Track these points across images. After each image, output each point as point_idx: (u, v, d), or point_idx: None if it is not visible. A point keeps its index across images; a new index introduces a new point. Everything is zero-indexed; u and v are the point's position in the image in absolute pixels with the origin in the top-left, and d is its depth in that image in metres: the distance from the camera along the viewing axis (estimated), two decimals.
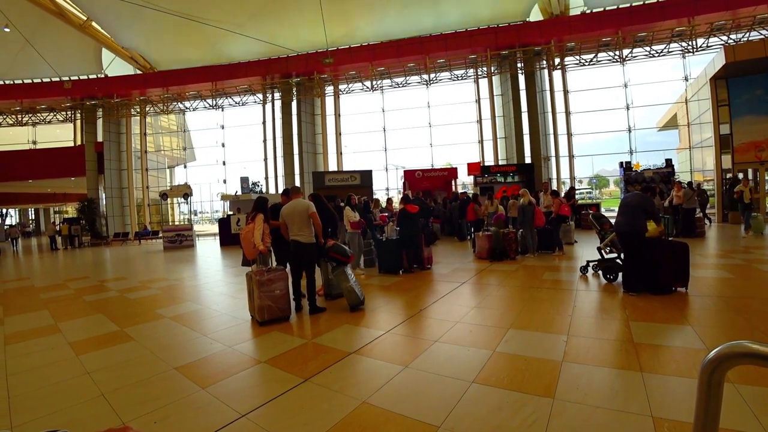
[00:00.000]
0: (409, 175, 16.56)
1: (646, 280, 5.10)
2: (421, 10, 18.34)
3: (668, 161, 14.82)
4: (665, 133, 21.73)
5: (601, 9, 17.05)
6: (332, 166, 20.89)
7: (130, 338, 4.38)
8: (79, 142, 23.33)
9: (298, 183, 20.24)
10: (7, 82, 22.04)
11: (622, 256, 5.75)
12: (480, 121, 19.57)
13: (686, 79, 17.22)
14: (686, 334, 3.67)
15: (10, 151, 22.73)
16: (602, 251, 6.12)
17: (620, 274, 5.62)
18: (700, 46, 16.23)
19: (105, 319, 5.27)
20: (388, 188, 20.69)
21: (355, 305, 5.06)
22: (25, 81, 21.91)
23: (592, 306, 4.87)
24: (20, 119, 22.73)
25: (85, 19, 19.37)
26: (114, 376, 3.37)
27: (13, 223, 36.79)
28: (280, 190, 19.15)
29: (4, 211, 36.39)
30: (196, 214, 27.95)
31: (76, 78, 21.58)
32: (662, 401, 2.46)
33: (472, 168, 17.15)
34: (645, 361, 3.05)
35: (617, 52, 17.09)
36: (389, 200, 12.53)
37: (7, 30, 17.95)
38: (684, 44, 16.41)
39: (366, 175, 16.67)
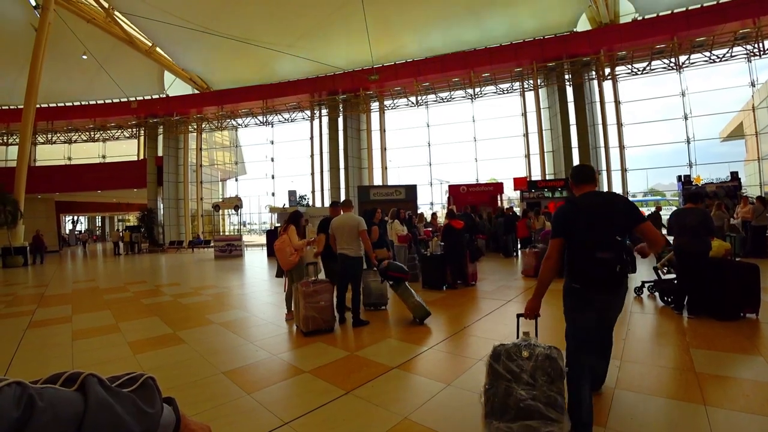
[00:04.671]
0: (454, 190, 16.40)
1: (710, 304, 4.72)
2: (465, 25, 18.36)
3: (734, 174, 13.67)
4: (730, 143, 20.13)
5: (654, 15, 16.24)
6: (377, 181, 21.13)
7: (182, 341, 4.62)
8: (141, 157, 25.25)
9: (343, 197, 20.64)
10: (83, 102, 24.45)
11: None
12: (526, 135, 19.10)
13: (753, 85, 15.90)
14: (757, 365, 3.34)
15: (82, 165, 25.06)
16: (659, 271, 5.74)
17: (681, 297, 5.21)
18: None
19: (160, 322, 5.61)
20: (432, 203, 20.63)
21: (423, 317, 5.05)
22: (99, 102, 24.20)
23: (648, 330, 4.56)
24: (93, 136, 25.07)
25: (151, 45, 21.14)
26: (167, 375, 3.57)
27: (83, 230, 40.38)
28: (327, 204, 19.77)
29: (75, 218, 39.92)
30: (245, 226, 29.18)
31: (141, 98, 23.52)
32: None
33: (518, 183, 16.73)
34: (709, 394, 2.81)
35: (673, 59, 16.16)
36: (434, 215, 12.47)
37: (84, 57, 19.95)
38: (749, 47, 15.19)
39: (410, 190, 16.67)
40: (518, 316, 2.56)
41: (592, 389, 2.45)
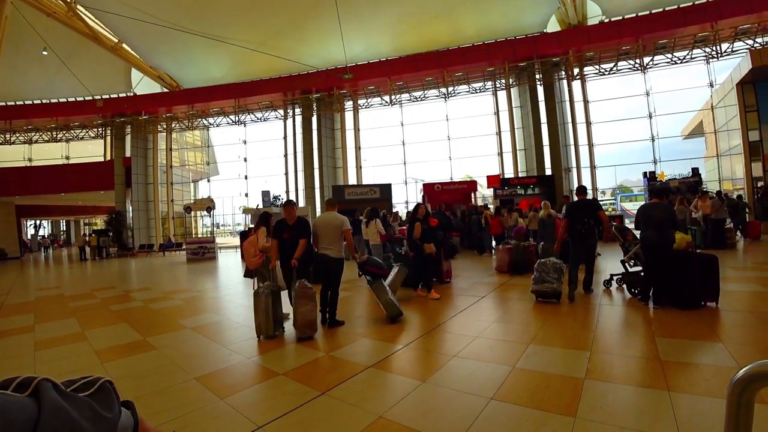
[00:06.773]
0: (429, 189, 16.50)
1: (673, 294, 4.93)
2: (438, 25, 18.52)
3: (695, 170, 14.36)
4: (691, 141, 21.14)
5: (620, 17, 16.84)
6: (352, 180, 21.03)
7: (153, 347, 4.48)
8: (108, 158, 24.32)
9: (318, 197, 20.49)
10: (44, 101, 23.27)
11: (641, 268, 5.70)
12: (499, 134, 19.44)
13: (711, 86, 16.72)
14: (717, 351, 3.51)
15: (45, 166, 23.93)
16: (626, 264, 5.96)
17: (647, 288, 5.43)
18: (725, 51, 15.78)
19: (129, 329, 5.41)
20: (407, 201, 20.66)
21: (395, 317, 5.04)
22: (61, 100, 23.07)
23: (616, 321, 4.72)
24: (55, 136, 23.93)
25: (117, 41, 20.34)
26: (136, 384, 3.45)
27: (45, 235, 38.63)
28: (302, 204, 19.54)
29: (38, 222, 38.10)
30: (218, 227, 28.54)
31: (107, 97, 22.61)
32: (691, 422, 2.36)
33: (491, 180, 17.02)
34: (672, 380, 2.93)
35: (638, 60, 16.80)
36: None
37: (45, 53, 19.03)
38: (708, 50, 15.97)
39: (385, 189, 16.69)
40: (551, 252, 6.44)
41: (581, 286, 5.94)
